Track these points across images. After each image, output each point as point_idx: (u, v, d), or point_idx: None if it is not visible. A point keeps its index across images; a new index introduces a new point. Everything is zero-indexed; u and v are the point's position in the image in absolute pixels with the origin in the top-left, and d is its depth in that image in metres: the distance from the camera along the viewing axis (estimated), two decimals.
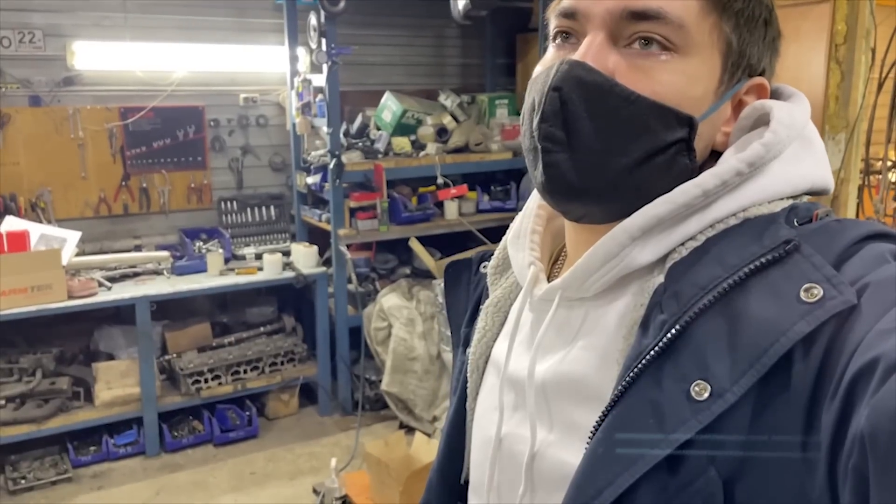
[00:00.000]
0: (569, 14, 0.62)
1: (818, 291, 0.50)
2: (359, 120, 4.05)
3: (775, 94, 0.67)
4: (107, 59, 3.69)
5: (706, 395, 0.51)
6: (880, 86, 3.18)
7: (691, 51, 0.59)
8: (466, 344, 0.80)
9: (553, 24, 0.64)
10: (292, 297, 4.05)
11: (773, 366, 0.50)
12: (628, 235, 0.60)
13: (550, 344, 0.66)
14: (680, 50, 0.59)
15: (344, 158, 3.65)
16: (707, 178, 0.59)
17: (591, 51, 0.59)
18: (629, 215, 0.60)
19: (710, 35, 0.60)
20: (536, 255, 0.72)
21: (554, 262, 0.76)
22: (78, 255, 3.51)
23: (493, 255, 0.81)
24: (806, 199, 0.63)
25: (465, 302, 0.84)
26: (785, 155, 0.61)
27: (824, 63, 3.29)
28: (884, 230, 0.55)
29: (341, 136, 3.78)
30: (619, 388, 0.56)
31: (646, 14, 0.58)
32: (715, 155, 0.64)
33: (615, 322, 0.62)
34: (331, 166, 3.60)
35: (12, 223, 3.33)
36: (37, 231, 3.35)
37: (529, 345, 0.69)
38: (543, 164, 0.61)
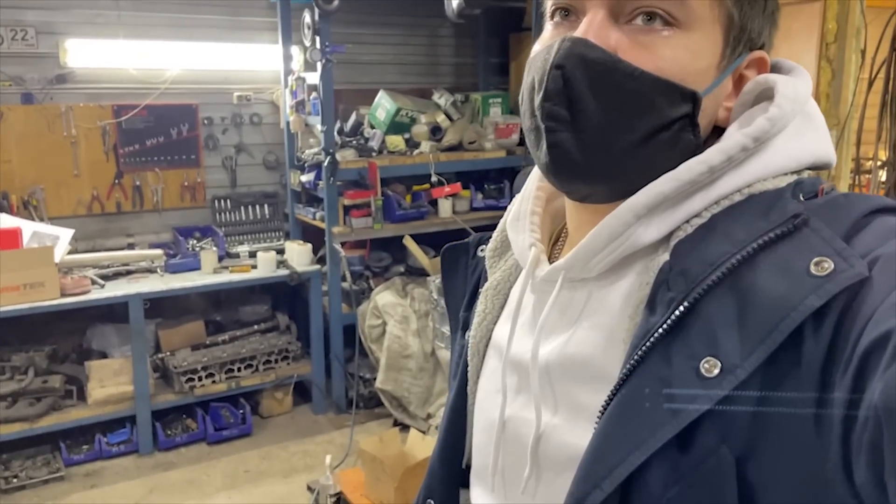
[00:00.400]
0: None
1: (829, 265, 0.50)
2: (353, 118, 4.05)
3: (775, 69, 0.67)
4: (100, 56, 3.68)
5: (716, 371, 0.51)
6: (870, 85, 3.21)
7: (693, 25, 0.58)
8: (465, 328, 0.79)
9: (550, 1, 0.63)
10: (286, 296, 4.05)
11: (783, 341, 0.50)
12: (633, 214, 0.59)
13: (553, 325, 0.66)
14: (682, 25, 0.58)
15: (338, 156, 3.65)
16: (713, 155, 0.58)
17: (593, 28, 0.58)
18: (633, 193, 0.60)
19: (712, 9, 0.59)
20: (537, 236, 0.71)
21: (554, 243, 0.75)
22: (70, 252, 3.50)
23: (490, 238, 0.80)
24: (807, 174, 0.62)
25: (463, 286, 0.83)
26: (788, 130, 0.61)
27: (815, 62, 3.32)
28: (891, 204, 0.55)
29: (335, 134, 3.78)
30: (628, 366, 0.55)
31: None
32: (717, 130, 0.64)
33: (620, 302, 0.61)
34: (325, 164, 3.61)
35: (4, 220, 3.32)
36: (29, 228, 3.33)
37: (532, 327, 0.68)
38: (548, 144, 0.60)
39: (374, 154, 3.82)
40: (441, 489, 0.80)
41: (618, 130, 0.58)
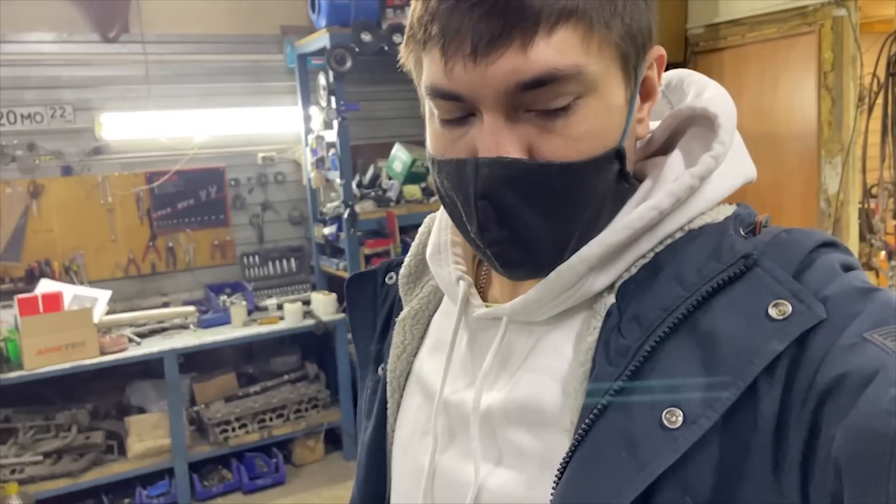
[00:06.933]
0: (451, 97, 0.55)
1: (787, 308, 0.49)
2: (371, 171, 4.22)
3: (683, 84, 0.66)
4: (132, 128, 3.91)
5: (679, 422, 0.49)
6: (870, 110, 3.27)
7: (593, 84, 0.54)
8: (378, 361, 0.75)
9: (434, 105, 0.57)
10: (315, 345, 4.17)
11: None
12: (587, 266, 0.57)
13: (495, 369, 0.63)
14: (584, 92, 0.54)
15: (357, 208, 3.81)
16: (663, 199, 0.57)
17: (500, 139, 0.54)
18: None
19: (601, 55, 0.54)
20: (462, 268, 0.67)
21: (479, 265, 0.72)
22: (109, 313, 3.68)
23: (398, 264, 0.77)
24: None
25: (372, 317, 0.78)
26: None
27: (815, 90, 3.40)
28: (829, 239, 0.55)
29: (354, 187, 3.94)
30: (588, 420, 0.53)
31: (540, 81, 0.52)
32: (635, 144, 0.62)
33: (567, 346, 0.59)
34: (345, 216, 3.76)
35: (47, 285, 3.52)
36: (70, 292, 3.53)
37: (465, 367, 0.66)
38: (499, 262, 0.59)
39: (392, 204, 3.97)
40: None
41: (564, 222, 0.57)
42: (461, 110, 0.56)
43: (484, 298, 0.68)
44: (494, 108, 0.54)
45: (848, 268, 0.53)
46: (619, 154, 0.57)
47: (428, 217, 0.75)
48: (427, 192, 4.13)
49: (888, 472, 0.40)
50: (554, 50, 0.51)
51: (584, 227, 0.57)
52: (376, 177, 4.20)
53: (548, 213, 0.55)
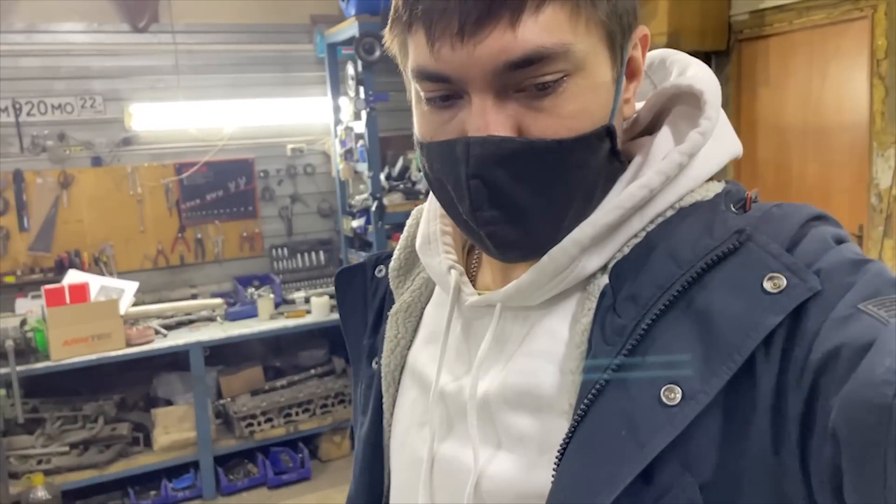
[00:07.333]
0: (439, 79, 0.55)
1: (782, 281, 0.49)
2: (400, 163, 4.14)
3: (667, 63, 0.66)
4: (161, 119, 3.90)
5: (678, 398, 0.49)
6: None
7: (582, 63, 0.54)
8: (372, 356, 0.75)
9: (421, 87, 0.57)
10: (343, 340, 4.10)
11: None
12: (580, 247, 0.57)
13: (490, 355, 0.63)
14: (572, 71, 0.54)
15: (385, 200, 3.74)
16: (653, 177, 0.57)
17: (489, 118, 0.54)
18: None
19: (588, 34, 0.54)
20: (454, 257, 0.68)
21: (468, 252, 0.72)
22: (136, 304, 3.67)
23: (387, 256, 0.77)
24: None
25: (363, 311, 0.78)
26: None
27: (867, 79, 3.22)
28: (819, 213, 0.55)
29: (383, 179, 3.87)
30: (586, 401, 0.53)
31: (528, 60, 0.52)
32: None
33: (562, 329, 0.59)
34: (373, 209, 3.69)
35: (74, 276, 3.52)
36: (97, 283, 3.52)
37: (459, 356, 0.66)
38: (492, 243, 0.58)
39: (421, 197, 3.89)
40: None
41: (557, 201, 0.57)
42: (448, 91, 0.56)
43: (475, 287, 0.68)
44: (483, 88, 0.54)
45: (839, 240, 0.53)
46: (609, 132, 0.57)
47: (415, 209, 0.75)
48: None
49: (885, 442, 0.40)
50: (542, 28, 0.52)
51: (578, 207, 0.57)
52: (405, 169, 4.12)
53: (540, 191, 0.55)
